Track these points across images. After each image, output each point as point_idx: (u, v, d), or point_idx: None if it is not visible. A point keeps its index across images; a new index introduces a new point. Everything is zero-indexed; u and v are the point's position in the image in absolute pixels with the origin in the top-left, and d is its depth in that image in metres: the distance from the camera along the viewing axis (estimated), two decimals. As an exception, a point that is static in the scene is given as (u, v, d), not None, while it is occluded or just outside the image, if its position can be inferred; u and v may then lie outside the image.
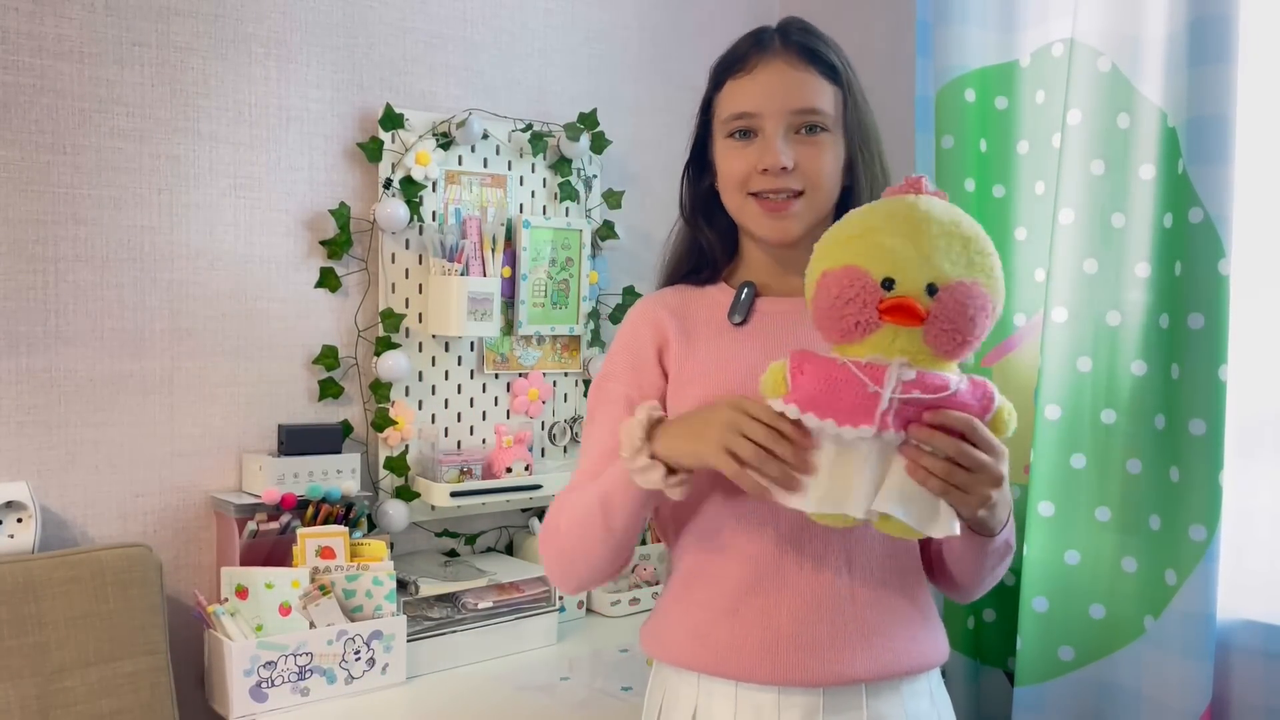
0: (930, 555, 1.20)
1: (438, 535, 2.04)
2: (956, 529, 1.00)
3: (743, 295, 1.19)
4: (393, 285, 1.95)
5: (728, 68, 1.17)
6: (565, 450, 2.18)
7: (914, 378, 0.97)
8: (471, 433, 2.05)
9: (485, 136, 2.03)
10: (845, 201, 1.17)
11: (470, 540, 2.08)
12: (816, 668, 1.09)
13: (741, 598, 1.12)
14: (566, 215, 2.15)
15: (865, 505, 0.98)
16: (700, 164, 1.24)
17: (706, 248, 1.24)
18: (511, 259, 2.06)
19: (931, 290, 0.97)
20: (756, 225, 1.16)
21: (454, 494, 1.90)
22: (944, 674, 1.21)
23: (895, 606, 1.13)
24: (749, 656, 1.10)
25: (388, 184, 1.92)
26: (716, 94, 1.19)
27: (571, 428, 2.18)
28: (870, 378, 0.97)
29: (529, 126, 2.08)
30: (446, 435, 2.02)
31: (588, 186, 2.18)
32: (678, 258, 1.27)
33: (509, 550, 2.13)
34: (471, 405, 2.06)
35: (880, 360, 0.98)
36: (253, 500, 1.72)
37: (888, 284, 0.97)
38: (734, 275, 1.25)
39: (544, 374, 2.14)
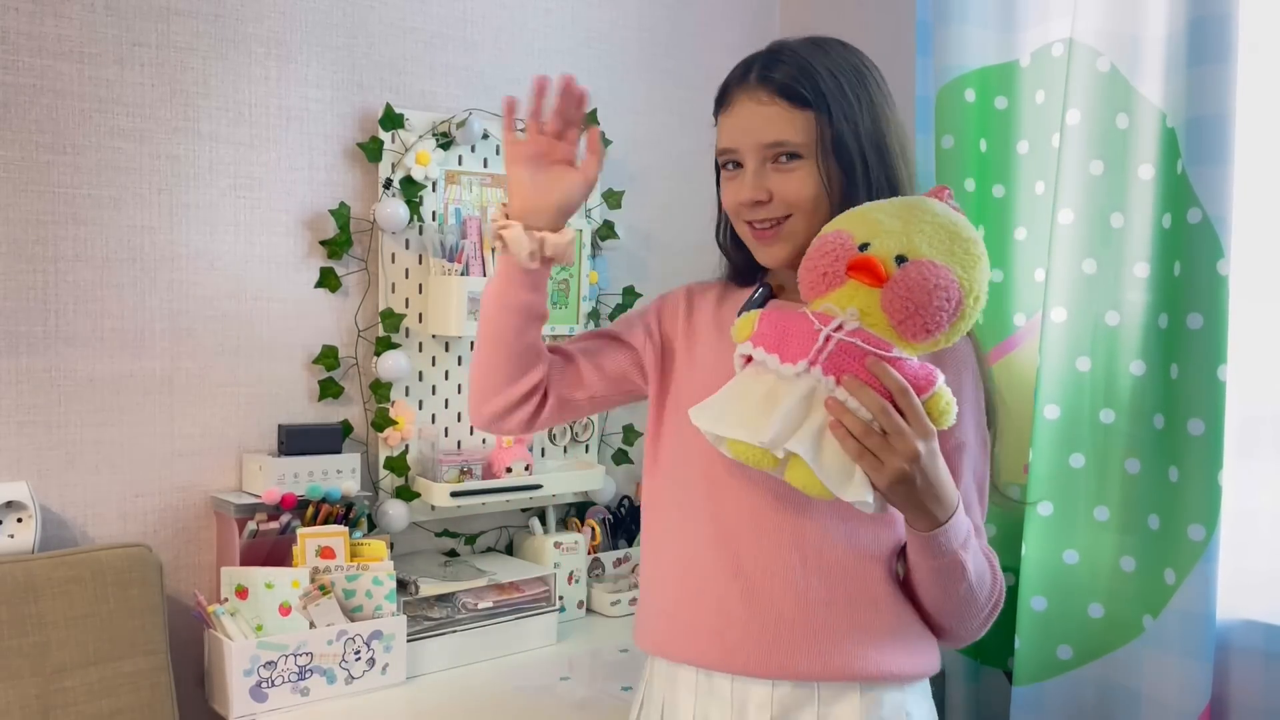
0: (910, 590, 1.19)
1: (438, 535, 2.04)
2: (868, 497, 1.01)
3: (755, 296, 1.22)
4: (393, 285, 1.95)
5: (717, 103, 1.21)
6: (565, 450, 2.18)
7: (857, 328, 1.02)
8: (471, 433, 2.05)
9: (485, 136, 2.03)
10: None
11: (470, 540, 2.08)
12: (764, 659, 1.12)
13: (699, 580, 1.17)
14: (566, 215, 2.15)
15: (773, 436, 1.00)
16: None
17: (735, 269, 1.30)
18: (511, 259, 2.05)
19: (900, 260, 1.02)
20: (753, 251, 1.21)
21: (454, 494, 1.91)
22: (943, 674, 1.20)
23: (854, 611, 1.13)
24: (702, 639, 1.15)
25: (388, 184, 1.92)
26: (716, 127, 1.23)
27: (571, 428, 2.18)
28: (820, 321, 1.03)
29: (529, 126, 2.07)
30: (446, 435, 2.02)
31: (587, 186, 2.18)
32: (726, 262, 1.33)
33: (509, 550, 2.13)
34: (471, 405, 2.06)
35: (834, 310, 1.04)
36: (253, 500, 1.72)
37: (863, 247, 1.03)
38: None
39: (544, 374, 2.14)
